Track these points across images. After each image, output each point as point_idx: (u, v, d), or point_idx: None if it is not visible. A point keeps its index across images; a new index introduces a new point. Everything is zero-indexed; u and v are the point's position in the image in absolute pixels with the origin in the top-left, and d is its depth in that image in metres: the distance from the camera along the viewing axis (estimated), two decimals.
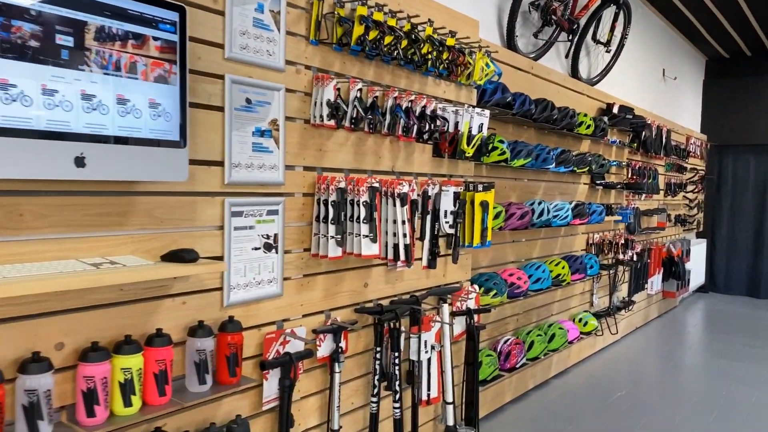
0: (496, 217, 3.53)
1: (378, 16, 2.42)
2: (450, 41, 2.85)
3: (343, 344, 2.49)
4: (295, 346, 2.28)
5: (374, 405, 2.61)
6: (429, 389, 2.99)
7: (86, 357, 1.61)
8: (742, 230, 8.97)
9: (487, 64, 3.15)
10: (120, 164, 1.61)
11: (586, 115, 4.54)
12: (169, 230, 1.87)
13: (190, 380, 1.89)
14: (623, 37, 5.46)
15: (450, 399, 3.08)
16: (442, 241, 3.12)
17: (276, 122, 2.18)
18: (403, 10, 2.71)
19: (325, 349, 2.41)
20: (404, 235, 2.52)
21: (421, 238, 2.89)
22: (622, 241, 5.45)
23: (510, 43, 4.04)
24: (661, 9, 6.90)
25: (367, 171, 2.63)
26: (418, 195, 2.89)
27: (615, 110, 5.17)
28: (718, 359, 5.41)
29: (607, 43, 5.21)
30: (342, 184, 2.34)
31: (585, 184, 5.10)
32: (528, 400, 4.24)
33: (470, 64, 3.11)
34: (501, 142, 3.50)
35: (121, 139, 1.61)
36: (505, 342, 3.84)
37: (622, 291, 5.95)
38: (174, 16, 1.71)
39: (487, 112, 3.13)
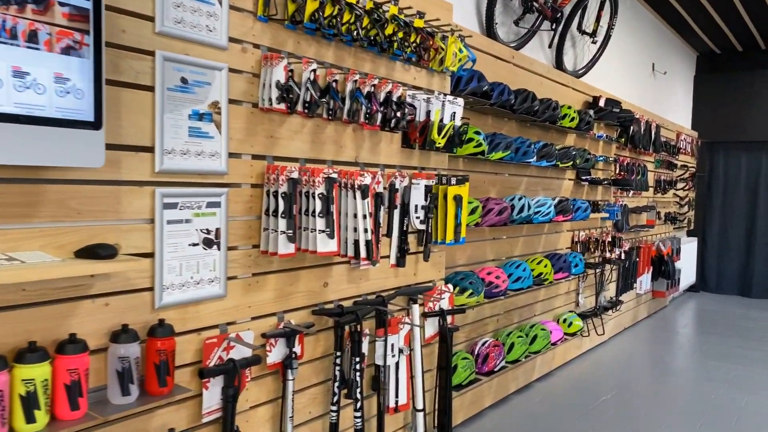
0: (472, 212, 3.34)
1: None
2: (418, 23, 2.65)
3: (297, 349, 2.29)
4: (242, 352, 2.08)
5: (334, 414, 2.42)
6: (397, 396, 2.79)
7: None
8: (734, 229, 8.82)
9: (460, 50, 2.96)
10: (17, 147, 1.40)
11: (570, 107, 4.36)
12: (88, 223, 1.67)
13: (112, 391, 1.68)
14: (610, 27, 5.28)
15: (420, 406, 2.89)
16: (412, 238, 2.93)
17: (217, 105, 1.97)
18: None
19: (276, 354, 2.21)
20: (365, 231, 2.33)
21: (389, 234, 2.70)
22: (609, 239, 5.27)
23: (489, 30, 3.85)
24: (650, 2, 6.73)
25: (327, 161, 2.43)
26: (385, 188, 2.69)
27: (601, 103, 5.00)
28: (707, 361, 5.24)
29: (593, 34, 5.03)
30: (294, 174, 2.14)
31: (570, 179, 4.91)
32: (509, 404, 4.05)
33: (442, 49, 2.91)
34: (477, 133, 3.31)
35: (18, 117, 1.40)
36: (483, 344, 3.65)
37: (610, 290, 5.77)
38: None
39: (460, 100, 2.94)
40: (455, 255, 3.58)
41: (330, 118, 2.37)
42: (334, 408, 2.41)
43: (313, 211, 2.19)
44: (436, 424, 3.10)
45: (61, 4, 1.46)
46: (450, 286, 3.17)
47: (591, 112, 4.75)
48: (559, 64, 4.80)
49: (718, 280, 8.97)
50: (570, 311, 4.95)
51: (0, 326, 1.50)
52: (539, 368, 4.55)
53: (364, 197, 2.32)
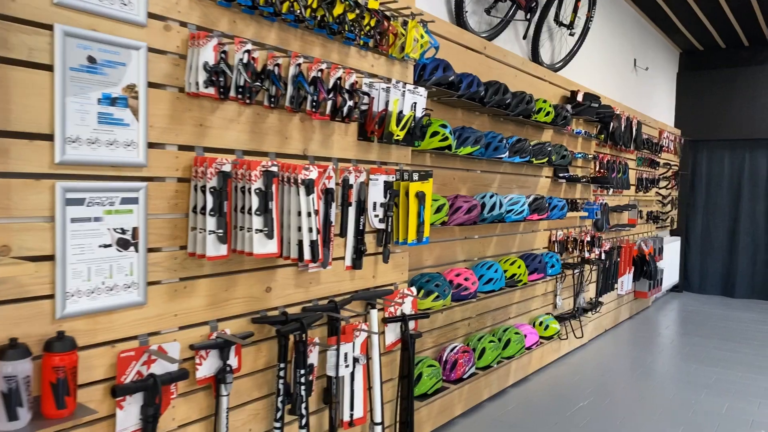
0: (438, 210, 3.14)
1: None
2: (372, 4, 2.44)
3: (234, 361, 2.07)
4: (166, 366, 1.85)
5: (277, 431, 2.20)
6: (353, 409, 2.58)
7: None
8: (717, 228, 8.71)
9: (421, 35, 2.75)
10: None
11: (545, 101, 4.17)
12: None
13: None
14: (588, 19, 5.11)
15: (378, 419, 2.68)
16: (371, 238, 2.72)
17: (134, 88, 1.75)
18: None
19: (207, 367, 1.99)
20: (310, 230, 2.11)
21: (342, 234, 2.49)
22: (588, 239, 5.10)
23: (459, 19, 3.65)
24: None
25: (270, 154, 2.21)
26: (338, 184, 2.48)
27: (579, 98, 4.82)
28: (689, 364, 5.09)
29: (570, 25, 4.85)
30: (226, 167, 1.92)
31: (547, 177, 4.73)
32: (481, 412, 3.86)
33: (402, 34, 2.71)
34: (443, 126, 3.11)
35: None
36: (452, 350, 3.44)
37: (589, 292, 5.60)
38: None
39: (421, 90, 2.74)
40: (422, 256, 3.38)
41: (272, 105, 2.16)
42: (278, 425, 2.20)
43: (249, 209, 1.98)
44: None
45: None
46: (413, 289, 2.97)
47: (568, 107, 4.57)
48: (535, 57, 4.62)
49: (701, 280, 8.86)
50: (547, 314, 4.77)
51: None
52: (514, 373, 4.36)
53: (309, 193, 2.11)
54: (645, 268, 6.73)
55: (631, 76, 7.19)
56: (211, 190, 1.89)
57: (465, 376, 3.44)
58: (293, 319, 2.19)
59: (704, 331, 6.40)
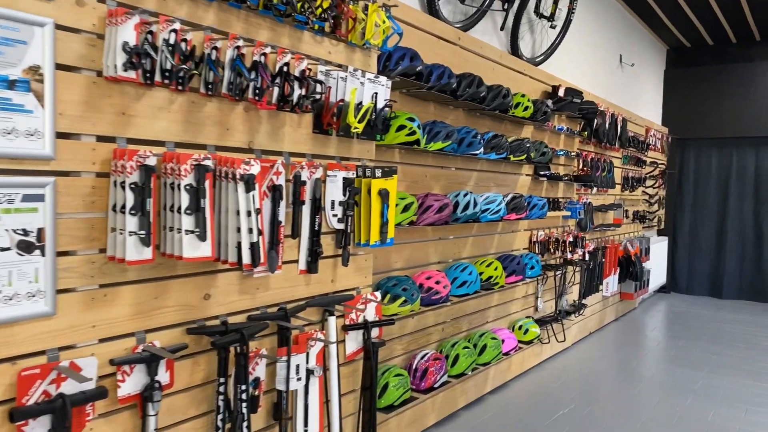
0: (406, 209, 2.94)
1: None
2: None
3: (165, 376, 1.87)
4: (80, 384, 1.64)
5: None
6: (307, 425, 2.38)
7: None
8: (705, 228, 8.58)
9: (383, 20, 2.55)
10: None
11: (524, 95, 3.99)
12: None
13: None
14: (570, 11, 4.93)
15: None
16: (329, 239, 2.52)
17: (38, 70, 1.54)
18: None
19: (131, 384, 1.78)
20: (250, 231, 1.91)
21: (293, 235, 2.28)
22: (571, 239, 4.92)
23: (431, 7, 3.45)
24: None
25: (208, 147, 2.00)
26: (288, 180, 2.27)
27: (561, 93, 4.64)
28: (675, 368, 4.93)
29: (551, 17, 4.67)
30: (150, 161, 1.71)
31: (528, 175, 4.55)
32: (456, 421, 3.67)
33: (363, 19, 2.51)
34: (411, 120, 2.91)
35: None
36: (422, 357, 3.25)
37: (573, 294, 5.43)
38: None
39: (383, 79, 2.54)
40: (390, 258, 3.18)
41: (210, 93, 1.95)
42: None
43: (179, 207, 1.77)
44: None
45: None
46: (378, 294, 2.77)
47: (549, 102, 4.39)
48: (514, 50, 4.43)
49: (688, 281, 8.73)
50: (527, 317, 4.59)
51: None
52: (493, 379, 4.18)
53: (249, 190, 1.90)
54: (631, 268, 6.57)
55: (617, 73, 7.04)
56: (132, 186, 1.68)
57: (436, 385, 3.24)
58: (233, 329, 1.99)
59: (691, 333, 6.24)
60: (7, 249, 1.51)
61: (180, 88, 1.85)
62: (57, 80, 1.59)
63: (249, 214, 1.90)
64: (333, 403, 2.48)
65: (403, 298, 2.93)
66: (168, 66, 1.77)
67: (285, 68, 2.11)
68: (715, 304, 8.05)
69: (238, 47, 1.95)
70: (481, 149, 3.54)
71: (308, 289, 2.43)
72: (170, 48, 1.75)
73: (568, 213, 5.06)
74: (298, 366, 2.26)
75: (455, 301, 3.51)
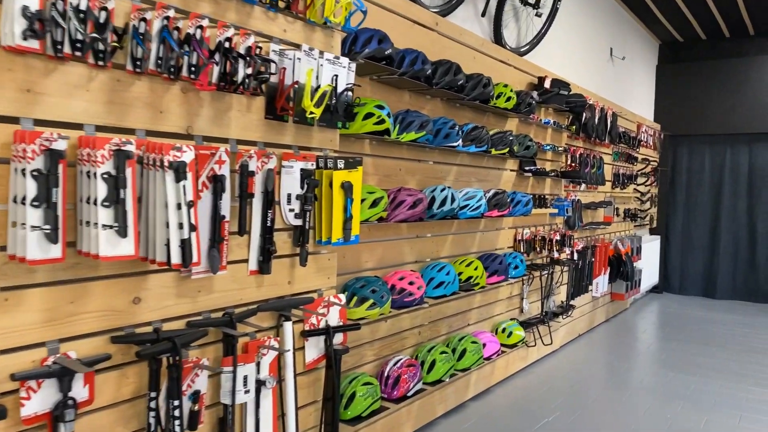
0: (374, 204, 2.72)
1: None
2: None
3: (84, 391, 1.64)
4: None
5: None
6: None
7: None
8: (698, 226, 8.39)
9: None
10: None
11: (506, 85, 3.77)
12: None
13: None
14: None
15: None
16: (286, 236, 2.29)
17: None
18: None
19: (39, 402, 1.55)
20: (180, 226, 1.68)
21: (241, 232, 2.05)
22: (558, 238, 4.71)
23: None
24: None
25: (137, 131, 1.77)
26: (235, 170, 2.05)
27: (547, 84, 4.43)
28: (666, 372, 4.72)
29: (537, 4, 4.45)
30: (58, 145, 1.48)
31: (512, 170, 4.33)
32: (434, 430, 3.45)
33: None
34: (380, 107, 2.69)
35: None
36: (395, 364, 3.03)
37: (561, 294, 5.22)
38: None
39: (344, 60, 2.32)
40: (361, 257, 2.96)
41: (139, 71, 1.72)
42: None
43: (96, 199, 1.54)
44: None
45: None
46: (342, 296, 2.55)
47: (534, 93, 4.18)
48: (498, 39, 4.22)
49: (681, 281, 8.54)
50: (512, 319, 4.38)
51: None
52: (475, 385, 3.96)
53: (178, 179, 1.67)
54: (621, 268, 6.37)
55: (607, 66, 6.83)
56: (34, 173, 1.45)
57: (409, 394, 3.02)
58: (165, 337, 1.76)
59: (683, 334, 6.05)
60: None
61: (101, 63, 1.62)
62: None
63: (179, 207, 1.67)
64: (289, 417, 2.25)
65: (371, 301, 2.71)
66: (79, 36, 1.53)
67: (227, 44, 1.88)
68: (708, 304, 7.87)
69: (168, 18, 1.72)
70: (460, 141, 3.32)
71: (260, 291, 2.21)
72: (80, 15, 1.52)
73: (556, 210, 4.85)
74: (245, 377, 2.03)
75: (433, 303, 3.30)
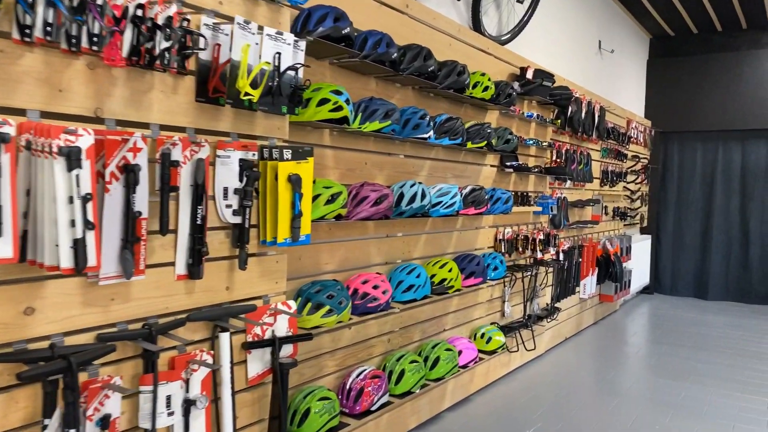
0: (332, 200, 2.46)
1: None
2: None
3: None
4: None
5: None
6: None
7: None
8: (690, 225, 8.17)
9: None
10: None
11: (483, 74, 3.52)
12: None
13: None
14: None
15: None
16: (223, 236, 2.03)
17: None
18: None
19: None
20: (72, 224, 1.42)
21: (162, 231, 1.79)
22: (542, 237, 4.46)
23: None
24: None
25: (28, 112, 1.50)
26: (155, 160, 1.78)
27: (529, 75, 4.18)
28: (656, 378, 4.48)
29: None
30: None
31: (492, 166, 4.08)
32: None
33: None
34: (337, 93, 2.42)
35: None
36: (358, 375, 2.77)
37: (545, 297, 4.97)
38: None
39: (288, 36, 2.06)
40: (320, 259, 2.70)
41: (27, 39, 1.46)
42: None
43: None
44: None
45: None
46: (292, 303, 2.29)
47: (515, 84, 3.93)
48: (476, 25, 3.97)
49: (672, 281, 8.32)
50: (492, 323, 4.13)
51: None
52: (452, 394, 3.70)
53: (70, 168, 1.41)
54: (610, 269, 6.14)
55: (595, 59, 6.60)
56: None
57: (374, 408, 2.76)
58: (60, 354, 1.49)
59: (674, 338, 5.82)
60: None
61: None
62: None
63: (70, 200, 1.41)
64: None
65: (327, 308, 2.45)
66: None
67: (139, 11, 1.62)
68: (700, 305, 7.65)
69: None
70: (431, 133, 3.06)
71: (191, 299, 1.94)
72: None
73: (540, 209, 4.60)
74: (168, 397, 1.77)
75: (403, 308, 3.04)
